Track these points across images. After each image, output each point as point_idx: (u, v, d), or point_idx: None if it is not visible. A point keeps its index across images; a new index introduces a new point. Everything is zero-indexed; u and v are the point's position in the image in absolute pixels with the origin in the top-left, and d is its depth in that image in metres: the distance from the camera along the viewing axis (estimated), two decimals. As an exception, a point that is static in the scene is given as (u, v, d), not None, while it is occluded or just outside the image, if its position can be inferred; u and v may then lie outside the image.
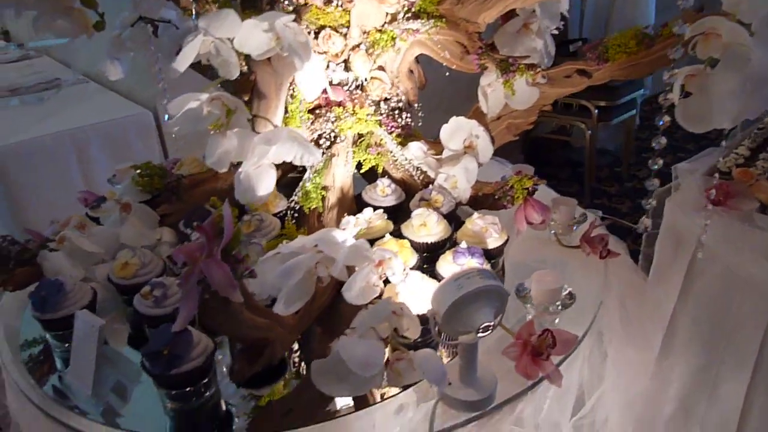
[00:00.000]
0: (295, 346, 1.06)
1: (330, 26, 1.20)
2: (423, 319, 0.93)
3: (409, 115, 1.37)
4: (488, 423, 0.92)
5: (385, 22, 1.22)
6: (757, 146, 1.51)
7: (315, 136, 1.21)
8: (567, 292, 1.05)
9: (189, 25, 1.18)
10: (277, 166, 1.06)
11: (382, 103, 1.32)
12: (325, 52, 1.20)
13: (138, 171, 1.27)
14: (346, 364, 0.75)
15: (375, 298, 0.92)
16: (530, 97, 1.23)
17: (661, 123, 0.91)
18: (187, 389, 0.92)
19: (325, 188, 1.23)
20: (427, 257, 1.17)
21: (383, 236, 1.12)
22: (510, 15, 1.22)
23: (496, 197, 1.23)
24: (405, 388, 0.93)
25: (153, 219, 1.22)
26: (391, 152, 1.31)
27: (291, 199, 1.25)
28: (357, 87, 1.28)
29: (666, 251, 1.46)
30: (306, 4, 1.14)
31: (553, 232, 1.28)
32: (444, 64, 1.30)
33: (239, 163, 1.08)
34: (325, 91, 1.20)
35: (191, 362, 0.88)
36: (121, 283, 1.09)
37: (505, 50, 1.21)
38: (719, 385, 1.38)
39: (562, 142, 3.59)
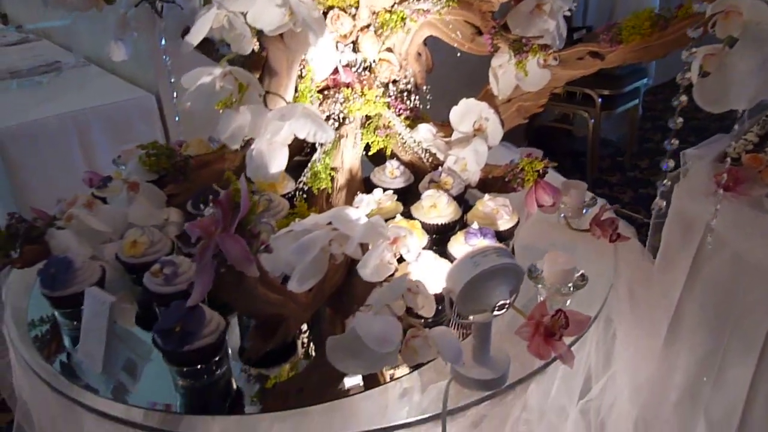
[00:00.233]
0: (304, 327, 1.05)
1: (338, 6, 1.19)
2: (436, 298, 0.93)
3: (417, 97, 1.36)
4: (501, 403, 0.92)
5: (395, 2, 1.21)
6: (766, 133, 1.50)
7: (323, 117, 1.20)
8: (579, 273, 1.04)
9: (194, 5, 1.17)
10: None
11: (390, 85, 1.31)
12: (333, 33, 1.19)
13: (145, 150, 1.25)
14: (362, 341, 0.74)
15: (388, 277, 0.92)
16: (541, 79, 1.22)
17: (677, 103, 0.90)
18: (199, 367, 0.92)
19: (333, 169, 1.23)
20: (437, 239, 1.16)
21: (393, 217, 1.11)
22: (523, -6, 1.21)
23: (507, 180, 1.22)
24: (415, 368, 0.93)
25: (160, 198, 1.21)
26: (400, 134, 1.30)
27: (299, 180, 1.24)
28: (365, 69, 1.27)
29: (674, 237, 1.45)
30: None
31: (562, 215, 1.27)
32: (455, 45, 1.29)
33: (246, 145, 1.07)
34: (335, 71, 1.19)
35: (203, 339, 0.88)
36: (130, 262, 1.08)
37: (518, 30, 1.19)
38: (725, 371, 1.38)
39: (564, 132, 3.58)
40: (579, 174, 3.38)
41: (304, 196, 1.24)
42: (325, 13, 1.18)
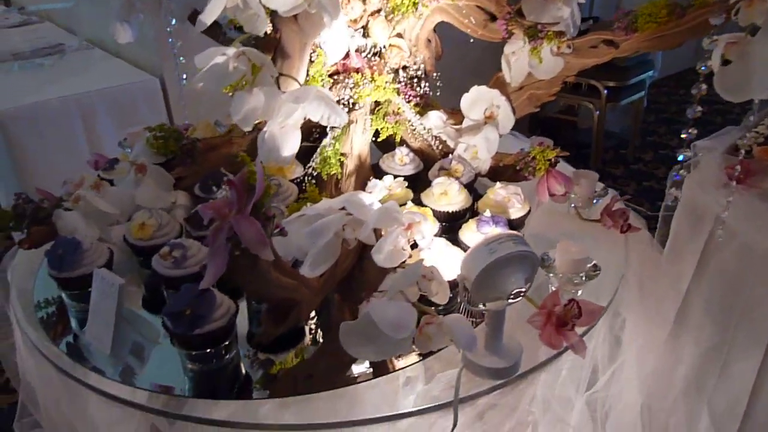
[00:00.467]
0: (312, 313, 1.05)
1: (349, -10, 1.17)
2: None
3: (427, 84, 1.35)
4: (512, 392, 0.92)
5: (407, -13, 1.19)
6: (778, 125, 1.49)
7: (334, 102, 1.19)
8: (591, 263, 1.03)
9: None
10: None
11: (400, 71, 1.30)
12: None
13: (153, 133, 1.24)
14: (376, 326, 0.73)
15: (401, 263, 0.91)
16: (555, 67, 1.21)
17: (696, 92, 0.89)
18: (208, 351, 0.91)
19: (343, 155, 1.22)
20: (447, 226, 1.15)
21: (404, 204, 1.10)
22: (539, -19, 1.20)
23: (518, 168, 1.21)
24: (425, 356, 0.92)
25: (168, 181, 1.20)
26: (409, 121, 1.29)
27: (308, 165, 1.23)
28: (375, 54, 1.26)
29: (683, 228, 1.45)
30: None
31: (573, 205, 1.26)
32: (467, 32, 1.28)
33: (254, 129, 1.06)
34: (346, 56, 1.18)
35: (214, 323, 0.87)
36: (138, 245, 1.08)
37: (532, 17, 1.18)
38: (731, 364, 1.38)
39: (568, 123, 3.56)
40: (582, 166, 3.36)
41: (313, 181, 1.23)
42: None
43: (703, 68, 0.86)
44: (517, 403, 0.95)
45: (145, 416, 0.88)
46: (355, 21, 1.21)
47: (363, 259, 0.93)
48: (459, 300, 1.00)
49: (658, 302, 1.28)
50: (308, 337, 1.01)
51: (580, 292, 1.04)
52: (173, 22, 1.09)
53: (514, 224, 1.14)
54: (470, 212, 1.19)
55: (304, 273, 0.84)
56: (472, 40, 1.29)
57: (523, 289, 0.82)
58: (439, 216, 1.14)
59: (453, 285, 0.96)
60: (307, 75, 1.15)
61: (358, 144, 1.24)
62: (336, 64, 1.19)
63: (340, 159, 1.20)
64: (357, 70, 1.21)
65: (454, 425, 0.83)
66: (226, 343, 0.92)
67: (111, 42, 2.54)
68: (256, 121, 0.94)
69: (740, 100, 0.86)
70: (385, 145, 1.36)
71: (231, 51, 0.88)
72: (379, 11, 1.21)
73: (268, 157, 0.94)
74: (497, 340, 0.88)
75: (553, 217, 1.27)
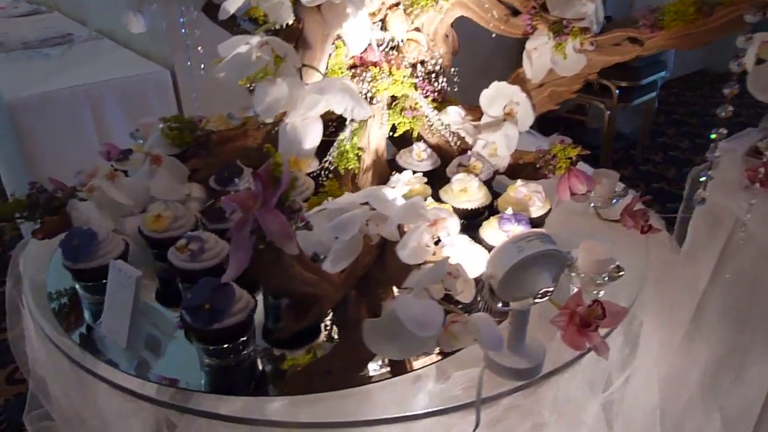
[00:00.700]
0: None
1: (367, -18, 1.15)
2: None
3: (445, 79, 1.33)
4: (534, 393, 0.90)
5: (427, -20, 1.17)
6: (798, 128, 1.47)
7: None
8: (615, 264, 1.02)
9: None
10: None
11: (418, 66, 1.28)
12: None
13: (167, 123, 1.22)
14: (401, 324, 0.72)
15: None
16: (577, 64, 1.19)
17: (728, 91, 0.87)
18: (225, 346, 0.89)
19: (360, 149, 1.20)
20: (466, 224, 1.14)
21: (424, 200, 1.08)
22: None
23: (538, 166, 1.20)
24: (446, 356, 0.90)
25: (183, 173, 1.18)
26: (427, 116, 1.27)
27: (325, 159, 1.21)
28: (392, 48, 1.24)
29: (700, 230, 1.43)
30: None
31: (592, 204, 1.25)
32: (489, 27, 1.26)
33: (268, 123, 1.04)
34: (366, 49, 1.16)
35: (233, 317, 0.85)
36: (153, 237, 1.06)
37: (556, 12, 1.16)
38: (745, 368, 1.36)
39: (577, 123, 3.54)
40: (592, 166, 3.35)
41: (329, 175, 1.21)
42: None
43: (736, 66, 0.84)
44: (536, 405, 0.93)
45: (155, 408, 0.87)
46: (374, 14, 1.19)
47: (384, 255, 0.92)
48: (479, 299, 0.99)
49: (673, 304, 1.27)
50: (323, 334, 1.00)
51: (601, 293, 1.03)
52: (192, 11, 1.07)
53: (535, 223, 1.12)
54: (489, 210, 1.17)
55: (326, 268, 0.82)
56: (493, 35, 1.27)
57: (551, 289, 0.81)
58: (458, 213, 1.12)
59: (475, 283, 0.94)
60: (327, 67, 1.14)
61: (375, 138, 1.22)
62: (354, 57, 1.18)
63: (357, 153, 1.19)
64: (375, 64, 1.19)
65: (477, 425, 0.81)
66: (244, 338, 0.90)
67: (120, 32, 2.52)
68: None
69: (773, 101, 0.85)
70: (399, 141, 1.34)
71: (254, 40, 0.86)
72: (397, 4, 1.20)
73: (290, 149, 0.92)
74: (520, 340, 0.86)
75: (571, 216, 1.25)
